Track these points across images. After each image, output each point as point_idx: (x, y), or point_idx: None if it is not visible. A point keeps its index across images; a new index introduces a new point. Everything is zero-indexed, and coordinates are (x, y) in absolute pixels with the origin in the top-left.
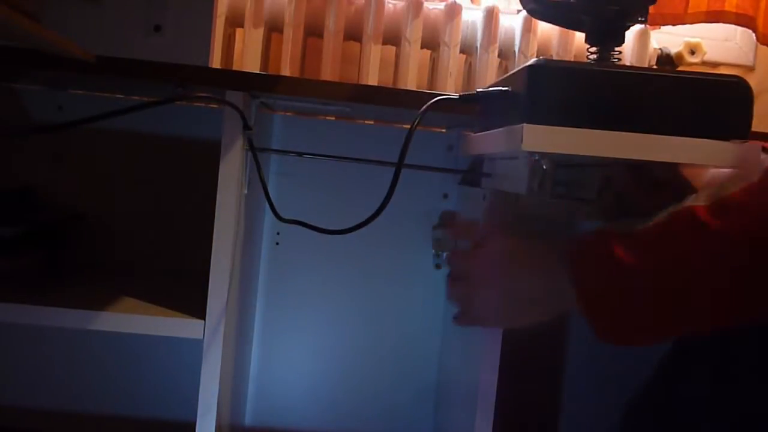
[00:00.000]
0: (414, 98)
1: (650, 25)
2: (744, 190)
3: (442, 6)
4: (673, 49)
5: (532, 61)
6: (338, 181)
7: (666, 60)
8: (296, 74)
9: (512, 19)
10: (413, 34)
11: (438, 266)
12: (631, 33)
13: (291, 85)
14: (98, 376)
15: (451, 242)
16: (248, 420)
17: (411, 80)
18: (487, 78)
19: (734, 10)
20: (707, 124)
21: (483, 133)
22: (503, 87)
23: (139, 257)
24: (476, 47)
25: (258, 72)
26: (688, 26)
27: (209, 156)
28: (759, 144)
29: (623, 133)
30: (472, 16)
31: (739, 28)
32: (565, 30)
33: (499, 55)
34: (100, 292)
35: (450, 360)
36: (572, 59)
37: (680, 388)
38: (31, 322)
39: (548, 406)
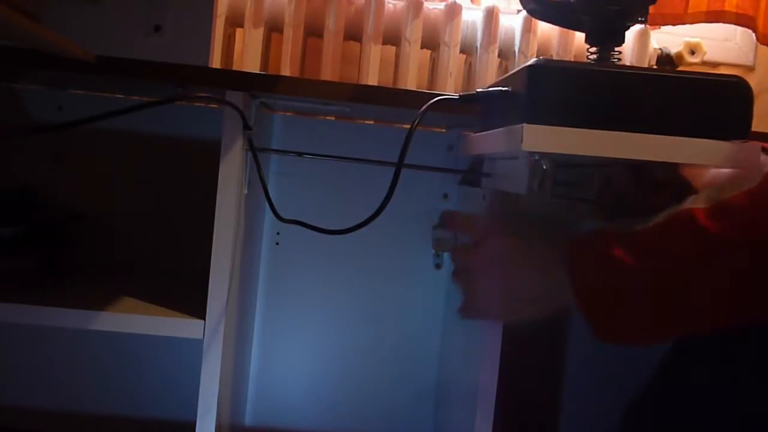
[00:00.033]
0: (414, 98)
1: (650, 25)
2: (744, 194)
3: (442, 6)
4: (673, 49)
5: (532, 61)
6: (338, 181)
7: (666, 60)
8: (296, 74)
9: (512, 19)
10: (413, 34)
11: (438, 266)
12: (631, 33)
13: (291, 85)
14: (98, 376)
15: (451, 242)
16: (248, 420)
17: (411, 80)
18: (487, 78)
19: (734, 10)
20: (707, 124)
21: (483, 133)
22: (503, 87)
23: (139, 257)
24: (476, 47)
25: (258, 72)
26: (688, 26)
27: (209, 156)
28: (759, 144)
29: (623, 133)
30: (472, 16)
31: (739, 28)
32: (565, 30)
33: (499, 55)
34: (100, 292)
35: (450, 360)
36: (572, 59)
37: (680, 388)
38: (31, 322)
39: (548, 406)
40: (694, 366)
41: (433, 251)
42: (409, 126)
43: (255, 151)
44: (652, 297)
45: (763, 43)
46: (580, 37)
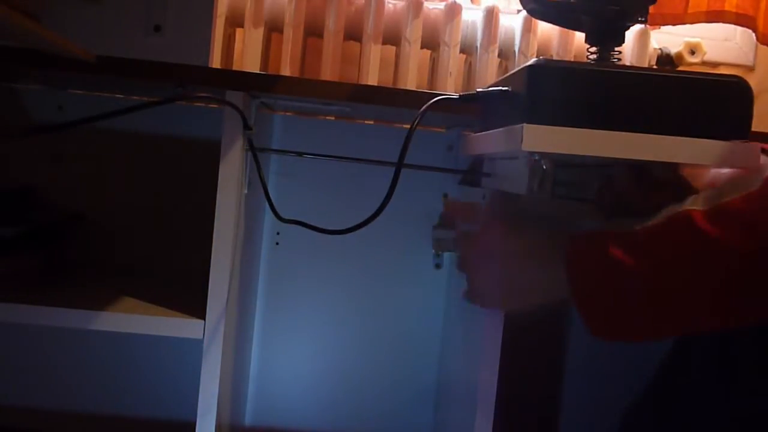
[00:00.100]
0: (414, 98)
1: (650, 25)
2: (743, 198)
3: (442, 6)
4: (673, 49)
5: (532, 61)
6: (338, 181)
7: (666, 60)
8: (296, 74)
9: (512, 19)
10: (413, 34)
11: (438, 266)
12: (631, 33)
13: (291, 85)
14: (98, 376)
15: (451, 242)
16: (248, 420)
17: (411, 80)
18: (487, 78)
19: (734, 10)
20: (707, 124)
21: (483, 133)
22: (503, 87)
23: (139, 257)
24: (476, 47)
25: (258, 72)
26: (688, 26)
27: (209, 156)
28: (759, 144)
29: (623, 133)
30: (472, 16)
31: (739, 28)
32: (565, 30)
33: (499, 55)
34: (100, 292)
35: (450, 360)
36: (572, 59)
37: (680, 387)
38: (31, 322)
39: (548, 406)
40: (694, 366)
41: (433, 251)
42: (409, 126)
43: (255, 151)
44: (647, 297)
45: (763, 43)
46: (580, 37)
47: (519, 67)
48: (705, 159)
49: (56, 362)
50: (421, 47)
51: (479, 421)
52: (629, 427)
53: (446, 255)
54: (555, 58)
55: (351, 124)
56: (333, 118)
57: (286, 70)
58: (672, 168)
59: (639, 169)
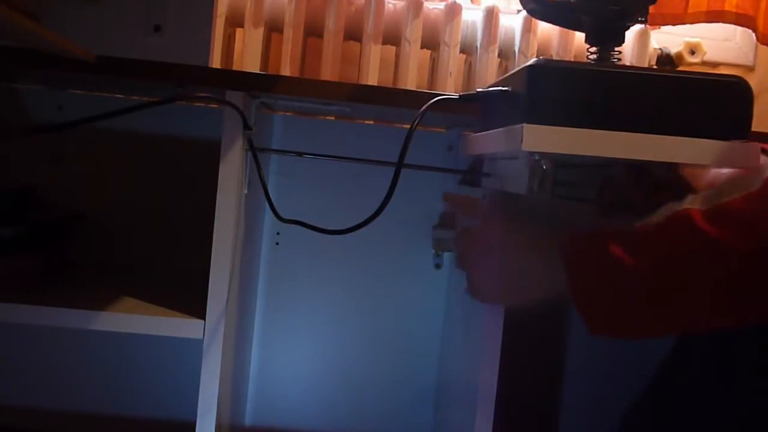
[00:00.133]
0: (414, 98)
1: (650, 25)
2: (743, 198)
3: (442, 6)
4: (673, 49)
5: (532, 61)
6: (338, 181)
7: (666, 60)
8: (296, 74)
9: (512, 19)
10: (413, 34)
11: (438, 266)
12: (631, 33)
13: (291, 85)
14: (98, 376)
15: (451, 242)
16: (248, 420)
17: (411, 80)
18: (487, 78)
19: (734, 10)
20: (707, 124)
21: (483, 133)
22: (503, 87)
23: (139, 257)
24: (476, 47)
25: (258, 72)
26: (688, 26)
27: (209, 156)
28: (759, 144)
29: (623, 133)
30: (472, 16)
31: (739, 28)
32: (565, 30)
33: (499, 55)
34: (100, 292)
35: (450, 360)
36: (572, 59)
37: (681, 387)
38: (31, 322)
39: (549, 406)
40: (694, 366)
41: (433, 251)
42: (409, 126)
43: (255, 151)
44: (646, 295)
45: (763, 43)
46: (580, 37)
47: (519, 67)
48: (705, 159)
49: (56, 362)
50: (421, 47)
51: (479, 421)
52: (629, 427)
53: (446, 255)
54: (555, 58)
55: (351, 124)
56: (333, 118)
57: (286, 70)
58: (672, 168)
59: (639, 169)
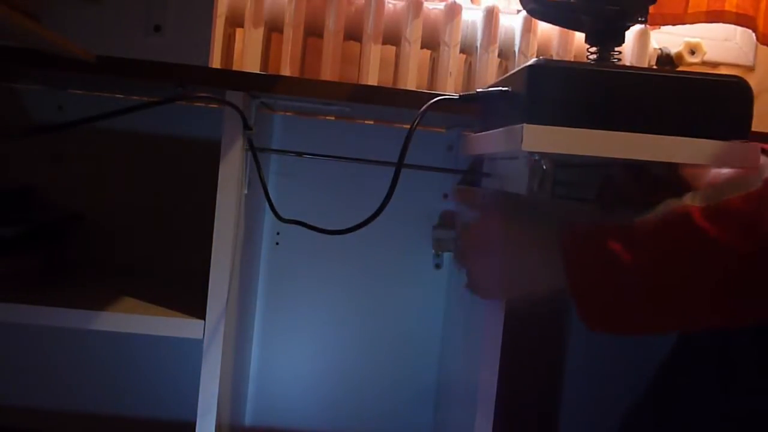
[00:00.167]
0: (414, 98)
1: (650, 25)
2: (743, 198)
3: (442, 6)
4: (673, 49)
5: (532, 61)
6: (338, 181)
7: (666, 60)
8: (296, 74)
9: (512, 19)
10: (413, 34)
11: (438, 266)
12: (631, 33)
13: (291, 85)
14: (98, 376)
15: (451, 242)
16: (248, 420)
17: (411, 80)
18: (487, 78)
19: (734, 10)
20: (707, 124)
21: (483, 133)
22: (503, 87)
23: (139, 257)
24: (476, 47)
25: (258, 72)
26: (688, 26)
27: (209, 156)
28: (759, 144)
29: (623, 133)
30: (472, 16)
31: (739, 28)
32: (565, 30)
33: (499, 55)
34: (100, 292)
35: (450, 360)
36: (572, 59)
37: (681, 387)
38: (31, 322)
39: (548, 405)
40: (694, 366)
41: (433, 251)
42: (409, 126)
43: (255, 151)
44: (643, 291)
45: (763, 43)
46: (580, 37)
47: (519, 67)
48: (705, 159)
49: (56, 362)
50: (421, 47)
51: (479, 421)
52: (629, 427)
53: (446, 255)
54: (555, 58)
55: (351, 124)
56: (333, 118)
57: (286, 70)
58: (672, 168)
59: (639, 169)
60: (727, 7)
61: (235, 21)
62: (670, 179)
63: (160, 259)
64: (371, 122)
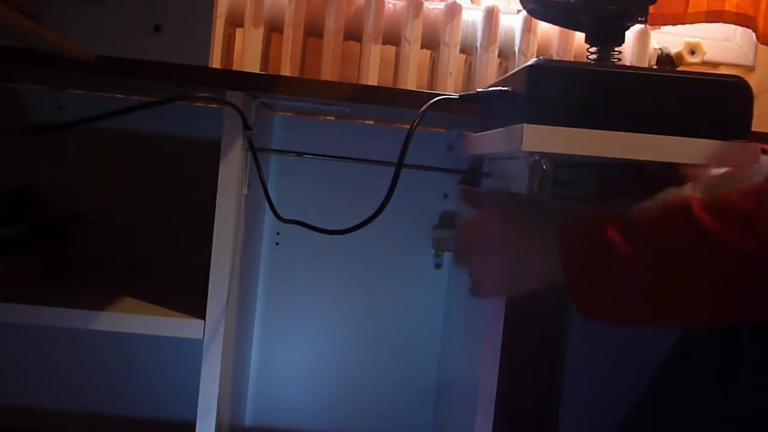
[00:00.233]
0: (414, 98)
1: (650, 25)
2: (742, 193)
3: (442, 6)
4: (673, 49)
5: (532, 61)
6: (338, 181)
7: (666, 60)
8: (296, 74)
9: (512, 19)
10: (413, 34)
11: (438, 266)
12: (631, 33)
13: (291, 85)
14: (98, 376)
15: (451, 242)
16: (248, 420)
17: (411, 80)
18: (487, 78)
19: (734, 10)
20: (707, 124)
21: (483, 133)
22: (503, 87)
23: (139, 257)
24: (476, 47)
25: (258, 72)
26: (688, 26)
27: (209, 156)
28: (759, 144)
29: (623, 133)
30: (472, 16)
31: (739, 28)
32: (565, 30)
33: (499, 55)
34: (100, 292)
35: (450, 360)
36: (572, 59)
37: (681, 387)
38: (31, 322)
39: (548, 405)
40: (694, 366)
41: (433, 251)
42: (409, 126)
43: (255, 151)
44: (640, 280)
45: (763, 43)
46: (580, 37)
47: (519, 67)
48: (705, 159)
49: (56, 362)
50: (421, 47)
51: (479, 421)
52: (629, 427)
53: (446, 255)
54: (555, 58)
55: (351, 124)
56: (333, 118)
57: (286, 70)
58: (672, 168)
59: (639, 169)
60: (727, 7)
61: (235, 21)
62: (670, 179)
63: (160, 259)
64: (371, 122)
